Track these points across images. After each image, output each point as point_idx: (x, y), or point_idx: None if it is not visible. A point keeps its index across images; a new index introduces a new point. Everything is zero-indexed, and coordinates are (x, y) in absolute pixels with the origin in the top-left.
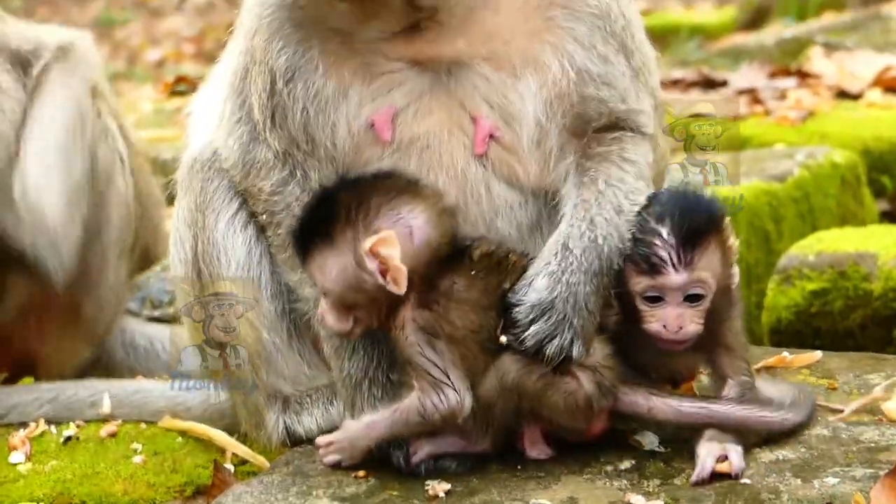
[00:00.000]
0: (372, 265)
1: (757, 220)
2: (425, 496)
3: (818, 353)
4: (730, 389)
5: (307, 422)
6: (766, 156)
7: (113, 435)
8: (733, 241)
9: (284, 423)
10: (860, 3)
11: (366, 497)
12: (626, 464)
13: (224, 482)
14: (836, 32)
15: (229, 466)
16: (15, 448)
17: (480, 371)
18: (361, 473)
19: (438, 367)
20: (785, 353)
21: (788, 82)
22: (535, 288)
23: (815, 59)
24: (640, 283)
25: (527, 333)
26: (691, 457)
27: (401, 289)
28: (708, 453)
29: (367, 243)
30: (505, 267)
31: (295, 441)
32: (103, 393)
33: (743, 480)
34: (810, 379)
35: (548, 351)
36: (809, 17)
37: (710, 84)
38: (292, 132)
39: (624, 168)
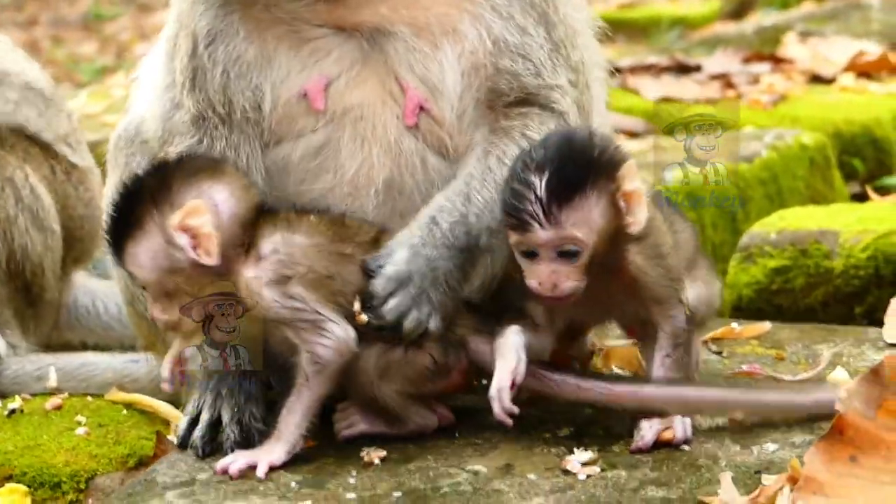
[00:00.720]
0: (182, 240)
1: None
2: (360, 463)
3: (767, 324)
4: (662, 342)
5: None
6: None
7: (58, 408)
8: (633, 187)
9: None
10: None
11: (300, 463)
12: (564, 431)
13: (166, 453)
14: (816, 21)
15: (172, 438)
16: None
17: None
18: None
19: (307, 309)
20: (734, 325)
21: (762, 67)
22: (394, 260)
23: (790, 45)
24: (512, 237)
25: (385, 307)
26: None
27: (213, 258)
28: (651, 425)
29: (174, 218)
30: (350, 228)
31: None
32: (50, 367)
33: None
34: (759, 349)
35: (406, 325)
36: (791, 6)
37: (683, 69)
38: (210, 94)
39: (522, 145)
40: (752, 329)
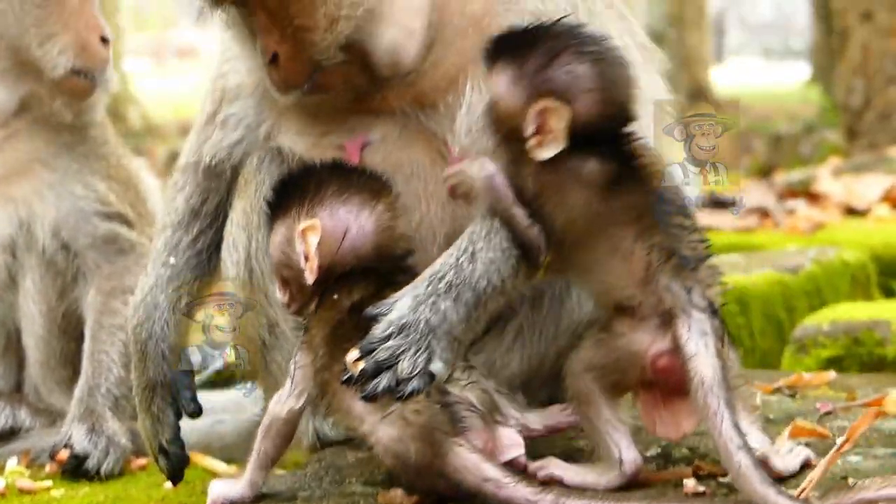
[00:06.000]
0: (299, 247)
1: (770, 308)
2: None
3: (832, 373)
4: None
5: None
6: (777, 254)
7: (143, 468)
8: None
9: (314, 427)
10: (867, 148)
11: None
12: None
13: None
14: (843, 174)
15: None
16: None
17: None
18: None
19: None
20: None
21: (797, 203)
22: (397, 307)
23: (823, 181)
24: None
25: (383, 347)
26: None
27: (310, 277)
28: None
29: (300, 225)
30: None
31: (325, 444)
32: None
33: None
34: (829, 392)
35: (401, 366)
36: (816, 164)
37: (718, 204)
38: None
39: None
40: (820, 377)
